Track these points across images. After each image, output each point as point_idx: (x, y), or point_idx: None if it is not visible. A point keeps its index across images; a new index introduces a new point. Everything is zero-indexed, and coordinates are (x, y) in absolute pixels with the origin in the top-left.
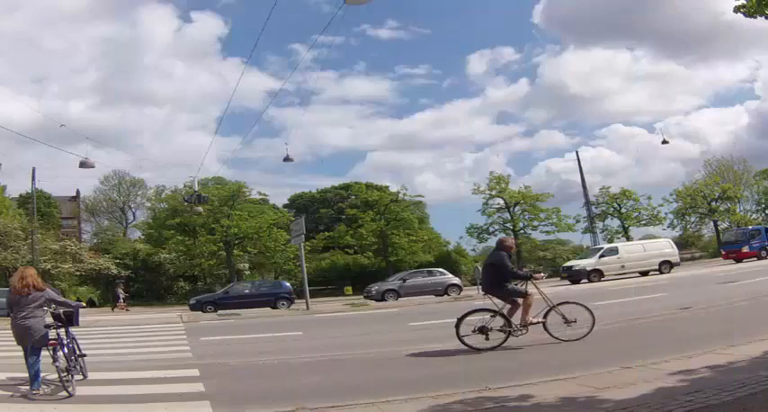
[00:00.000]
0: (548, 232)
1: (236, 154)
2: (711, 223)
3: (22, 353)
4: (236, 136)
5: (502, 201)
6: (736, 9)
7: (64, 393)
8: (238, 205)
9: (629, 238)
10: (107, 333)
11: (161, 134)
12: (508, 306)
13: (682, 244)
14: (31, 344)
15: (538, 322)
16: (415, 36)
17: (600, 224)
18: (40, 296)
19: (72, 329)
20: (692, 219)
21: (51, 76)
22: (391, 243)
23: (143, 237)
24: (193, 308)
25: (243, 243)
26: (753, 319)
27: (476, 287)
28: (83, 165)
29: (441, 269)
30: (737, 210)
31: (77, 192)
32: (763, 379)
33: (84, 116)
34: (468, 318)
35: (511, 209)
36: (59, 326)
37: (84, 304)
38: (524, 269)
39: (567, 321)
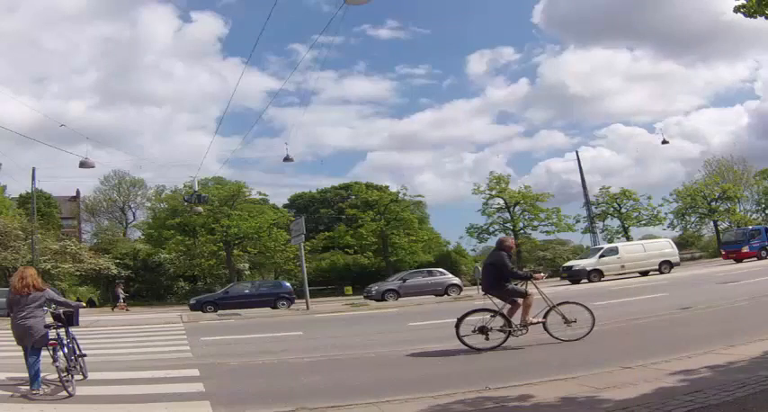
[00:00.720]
0: (548, 232)
1: (236, 154)
2: (711, 223)
3: (22, 353)
4: (236, 136)
5: (502, 201)
6: (736, 9)
7: (64, 393)
8: (238, 205)
9: (629, 238)
10: (107, 333)
11: (161, 134)
12: (508, 306)
13: (682, 244)
14: (31, 344)
15: (538, 322)
16: (415, 36)
17: (600, 224)
18: (39, 296)
19: (72, 329)
20: (692, 219)
21: (51, 76)
22: (391, 243)
23: (143, 237)
24: (193, 308)
25: (243, 243)
26: (753, 319)
27: (476, 287)
28: (83, 165)
29: (441, 269)
30: (737, 210)
31: (77, 192)
32: (763, 379)
33: (84, 116)
34: (468, 318)
35: (511, 209)
36: (59, 326)
37: (84, 304)
38: (524, 269)
39: (566, 321)
